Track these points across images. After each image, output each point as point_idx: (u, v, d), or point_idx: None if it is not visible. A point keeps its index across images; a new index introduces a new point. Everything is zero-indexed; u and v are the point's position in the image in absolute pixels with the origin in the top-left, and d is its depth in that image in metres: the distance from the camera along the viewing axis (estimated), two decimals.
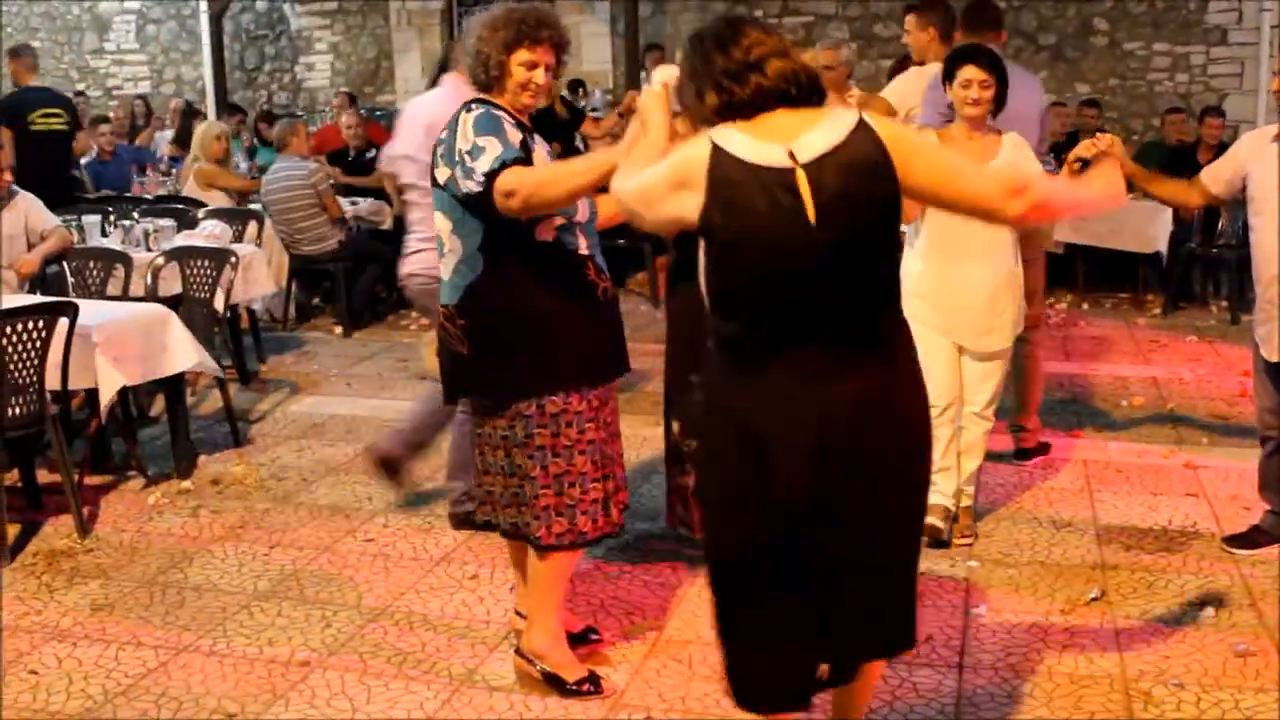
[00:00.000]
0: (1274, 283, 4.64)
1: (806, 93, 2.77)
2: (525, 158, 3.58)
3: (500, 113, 3.68)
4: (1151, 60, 12.51)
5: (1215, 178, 4.84)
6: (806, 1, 12.97)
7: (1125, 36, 12.55)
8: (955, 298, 4.79)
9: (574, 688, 3.80)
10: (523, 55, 3.66)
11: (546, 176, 3.56)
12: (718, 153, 2.69)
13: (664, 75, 3.16)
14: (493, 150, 3.54)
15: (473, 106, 3.70)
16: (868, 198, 2.70)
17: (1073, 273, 10.49)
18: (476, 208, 3.63)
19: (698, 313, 2.96)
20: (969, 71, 4.68)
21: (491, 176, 3.51)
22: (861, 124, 2.71)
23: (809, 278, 2.68)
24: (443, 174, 3.70)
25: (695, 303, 2.98)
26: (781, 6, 12.95)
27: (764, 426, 2.73)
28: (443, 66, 5.30)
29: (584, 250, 3.75)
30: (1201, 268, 10.07)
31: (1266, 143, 4.67)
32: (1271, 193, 4.60)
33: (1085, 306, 10.14)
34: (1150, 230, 9.74)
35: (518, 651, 3.91)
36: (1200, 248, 9.85)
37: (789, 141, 2.68)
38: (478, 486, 3.95)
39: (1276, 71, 4.71)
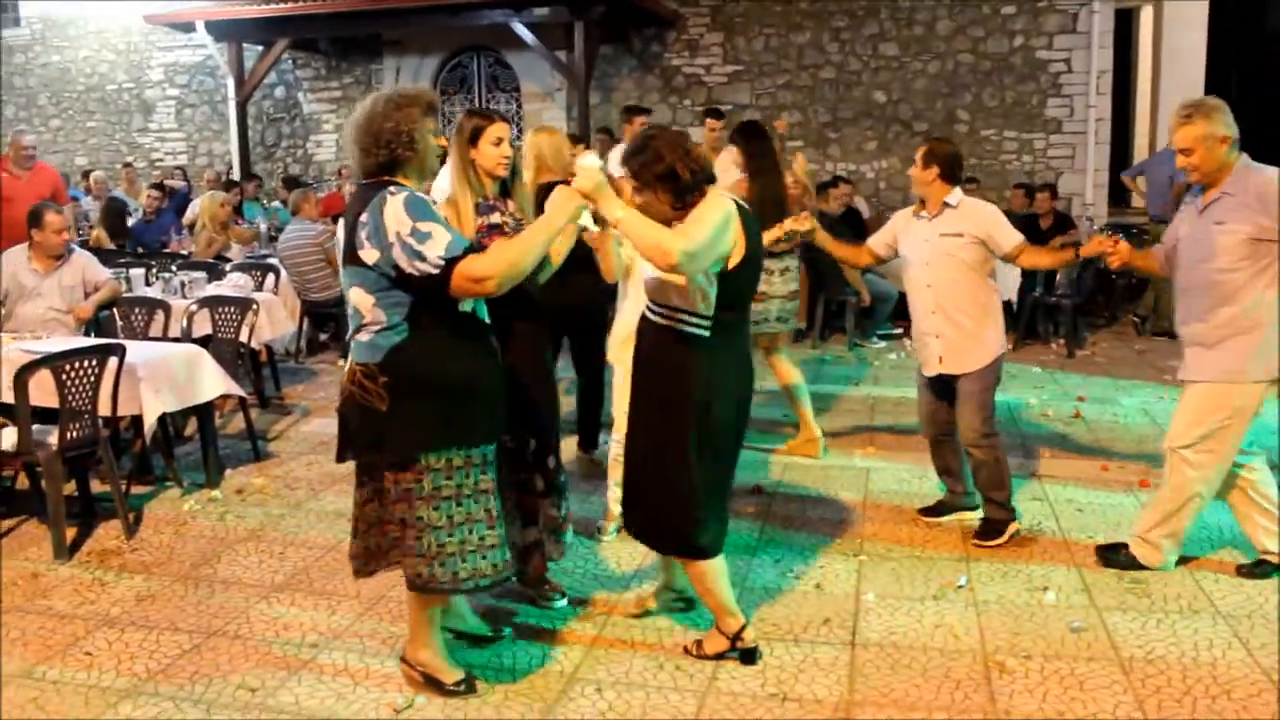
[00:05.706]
0: (923, 319, 4.80)
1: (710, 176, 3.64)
2: (473, 245, 3.27)
3: (420, 194, 3.30)
4: (1003, 144, 12.71)
5: (878, 242, 5.02)
6: (854, 90, 13.06)
7: (982, 125, 12.74)
8: None
9: (452, 688, 3.61)
10: (430, 124, 3.38)
11: (513, 255, 3.25)
12: (739, 208, 3.55)
13: (591, 161, 3.47)
14: (441, 236, 3.18)
15: (394, 190, 3.26)
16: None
17: None
18: (420, 287, 3.23)
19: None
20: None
21: (452, 263, 3.17)
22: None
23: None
24: (370, 255, 3.23)
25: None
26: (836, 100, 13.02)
27: (738, 376, 3.67)
28: None
29: (489, 320, 3.49)
30: (1043, 312, 10.20)
31: (910, 218, 4.78)
32: (913, 257, 4.75)
33: None
34: (1002, 282, 9.86)
35: (403, 659, 3.71)
36: (1042, 296, 10.01)
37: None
38: (361, 538, 3.65)
39: (917, 160, 4.73)
